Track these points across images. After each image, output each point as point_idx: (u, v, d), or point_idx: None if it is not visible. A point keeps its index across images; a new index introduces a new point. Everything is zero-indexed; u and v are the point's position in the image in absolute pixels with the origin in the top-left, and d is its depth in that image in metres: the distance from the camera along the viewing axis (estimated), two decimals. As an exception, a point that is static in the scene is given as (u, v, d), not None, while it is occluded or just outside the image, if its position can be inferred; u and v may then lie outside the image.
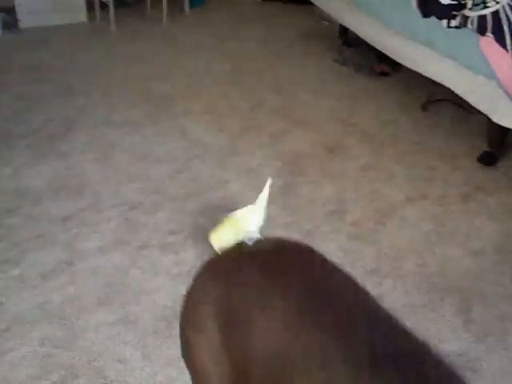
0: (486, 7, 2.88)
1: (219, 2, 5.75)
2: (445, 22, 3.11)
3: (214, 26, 5.13)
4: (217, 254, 1.28)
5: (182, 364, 2.02)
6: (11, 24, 4.61)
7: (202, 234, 2.55)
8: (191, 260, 2.42)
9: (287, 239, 1.29)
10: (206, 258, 1.33)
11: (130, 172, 2.97)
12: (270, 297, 1.05)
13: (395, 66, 3.96)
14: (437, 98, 3.71)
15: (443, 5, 3.13)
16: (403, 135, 3.43)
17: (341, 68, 4.33)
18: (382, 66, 4.16)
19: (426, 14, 3.26)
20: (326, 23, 5.13)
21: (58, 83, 3.87)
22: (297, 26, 5.20)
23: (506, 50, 2.77)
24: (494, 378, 2.02)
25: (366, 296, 1.08)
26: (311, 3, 4.69)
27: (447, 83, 3.17)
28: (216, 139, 3.31)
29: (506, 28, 2.79)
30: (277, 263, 1.13)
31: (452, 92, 3.22)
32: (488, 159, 3.18)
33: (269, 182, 1.60)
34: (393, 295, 2.32)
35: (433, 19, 3.22)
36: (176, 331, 2.13)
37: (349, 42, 4.65)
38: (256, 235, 1.29)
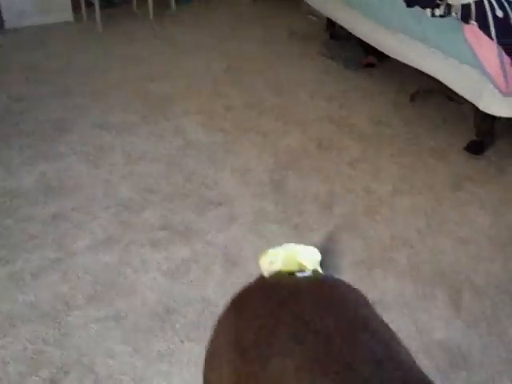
0: (469, -5, 2.89)
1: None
2: (429, 11, 3.12)
3: (202, 23, 5.12)
4: (259, 279, 1.23)
5: (173, 359, 2.03)
6: (-3, 25, 4.59)
7: (192, 231, 2.56)
8: (181, 256, 2.43)
9: (330, 278, 1.24)
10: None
11: (124, 171, 2.96)
12: (291, 340, 1.00)
13: (382, 58, 3.97)
14: (425, 89, 3.72)
15: (427, -6, 3.14)
16: (392, 128, 3.44)
17: (329, 63, 4.33)
18: (368, 58, 4.16)
19: (409, 4, 3.27)
20: (314, 18, 5.13)
21: (54, 84, 3.86)
22: (283, 20, 5.20)
23: (491, 37, 2.78)
24: (484, 364, 2.03)
25: (398, 355, 1.00)
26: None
27: (433, 73, 3.18)
28: (212, 137, 3.30)
29: (489, 16, 2.80)
30: (314, 305, 1.08)
31: (440, 82, 3.22)
32: (476, 148, 3.19)
33: (332, 233, 1.47)
34: (383, 284, 2.33)
35: (417, 9, 3.23)
36: (166, 326, 2.14)
37: (336, 36, 4.65)
38: (307, 273, 1.22)
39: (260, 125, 3.43)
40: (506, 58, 2.74)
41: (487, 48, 2.79)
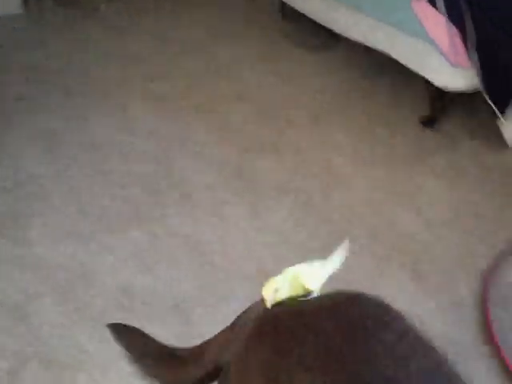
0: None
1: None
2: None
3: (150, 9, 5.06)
4: (267, 309, 1.13)
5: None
6: None
7: (149, 216, 2.55)
8: (141, 242, 2.42)
9: (349, 293, 1.18)
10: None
11: (100, 168, 2.91)
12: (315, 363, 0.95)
13: (334, 37, 3.98)
14: (377, 64, 3.74)
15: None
16: (346, 103, 3.45)
17: (282, 42, 4.33)
18: (320, 37, 4.17)
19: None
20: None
21: None
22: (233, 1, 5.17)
23: (438, 9, 2.81)
24: (443, 332, 2.07)
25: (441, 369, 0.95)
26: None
27: (382, 47, 3.20)
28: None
29: (436, -13, 2.82)
30: (337, 325, 1.01)
31: (391, 57, 3.24)
32: (430, 121, 3.24)
33: (346, 244, 1.42)
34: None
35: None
36: (129, 314, 2.14)
37: (289, 15, 4.64)
38: (315, 294, 1.17)
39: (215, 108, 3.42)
40: (454, 30, 2.77)
41: (435, 20, 2.82)
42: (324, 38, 4.16)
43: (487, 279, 2.22)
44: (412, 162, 2.93)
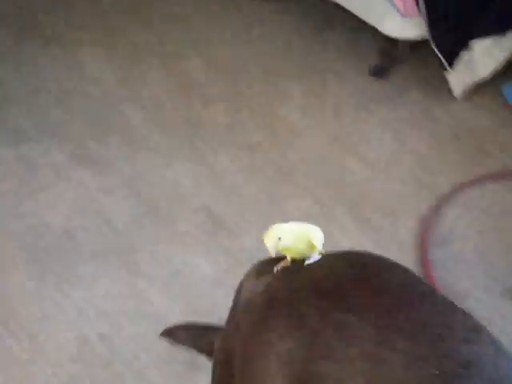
0: None
1: None
2: None
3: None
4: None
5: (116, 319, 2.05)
6: None
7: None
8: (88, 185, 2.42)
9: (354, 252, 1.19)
10: None
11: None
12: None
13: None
14: (332, 15, 3.72)
15: None
16: (296, 53, 3.44)
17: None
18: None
19: None
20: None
21: None
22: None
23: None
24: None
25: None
26: None
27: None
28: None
29: None
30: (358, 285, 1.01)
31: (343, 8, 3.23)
32: (380, 72, 3.24)
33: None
34: (287, 206, 2.38)
35: None
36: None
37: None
38: (317, 256, 1.15)
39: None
40: (403, -22, 2.78)
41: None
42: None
43: (427, 221, 2.26)
44: (360, 112, 2.95)
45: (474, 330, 0.93)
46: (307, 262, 1.12)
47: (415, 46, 3.05)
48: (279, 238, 1.12)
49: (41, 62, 3.21)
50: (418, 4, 2.79)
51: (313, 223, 2.33)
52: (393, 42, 3.07)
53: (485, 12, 2.81)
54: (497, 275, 2.09)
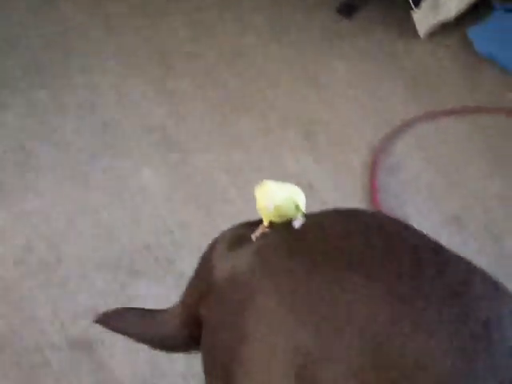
0: None
1: None
2: None
3: None
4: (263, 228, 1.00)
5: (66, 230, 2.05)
6: None
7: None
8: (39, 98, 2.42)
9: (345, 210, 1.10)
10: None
11: None
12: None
13: None
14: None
15: None
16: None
17: None
18: None
19: None
20: None
21: None
22: None
23: None
24: (332, 197, 2.15)
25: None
26: None
27: None
28: None
29: None
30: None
31: None
32: (347, 10, 3.23)
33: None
34: (239, 127, 2.40)
35: None
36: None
37: None
38: (301, 218, 1.02)
39: None
40: None
41: None
42: None
43: (378, 149, 2.29)
44: (323, 47, 2.95)
45: (494, 287, 0.85)
46: (297, 225, 1.00)
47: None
48: (271, 199, 1.01)
49: None
50: None
51: (264, 146, 2.38)
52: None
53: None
54: (440, 204, 2.13)
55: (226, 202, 2.10)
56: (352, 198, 2.14)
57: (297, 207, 1.01)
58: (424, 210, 2.08)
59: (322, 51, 2.91)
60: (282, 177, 2.18)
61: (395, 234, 0.91)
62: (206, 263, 1.07)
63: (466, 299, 0.80)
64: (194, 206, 2.07)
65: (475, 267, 0.88)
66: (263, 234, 1.00)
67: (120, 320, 1.33)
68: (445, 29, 2.99)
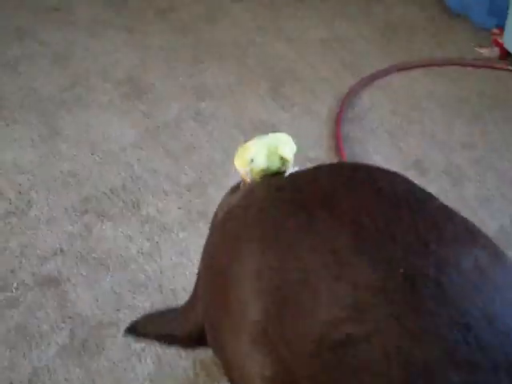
0: None
1: None
2: None
3: None
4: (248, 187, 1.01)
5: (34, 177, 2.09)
6: None
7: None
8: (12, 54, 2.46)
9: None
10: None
11: None
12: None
13: None
14: None
15: None
16: None
17: None
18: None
19: None
20: None
21: None
22: None
23: None
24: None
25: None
26: None
27: None
28: None
29: None
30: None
31: None
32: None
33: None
34: (213, 79, 2.43)
35: None
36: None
37: None
38: (292, 167, 1.04)
39: None
40: None
41: None
42: None
43: (344, 100, 2.33)
44: (295, 4, 3.00)
45: (468, 232, 0.87)
46: (286, 174, 1.03)
47: None
48: (252, 160, 1.01)
49: None
50: None
51: (233, 95, 2.42)
52: None
53: None
54: (402, 151, 2.18)
55: (195, 149, 2.15)
56: (319, 146, 2.18)
57: (283, 160, 1.02)
58: (386, 156, 2.13)
59: (296, 7, 2.95)
60: (250, 125, 2.23)
61: (384, 184, 0.93)
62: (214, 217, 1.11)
63: (435, 245, 0.80)
64: (161, 154, 2.12)
65: (459, 216, 0.90)
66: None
67: (148, 326, 1.38)
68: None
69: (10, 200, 1.92)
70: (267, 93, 2.38)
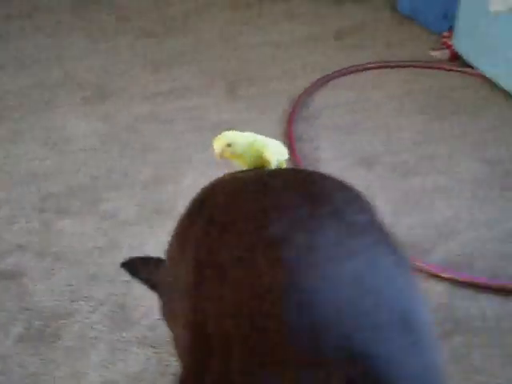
0: None
1: None
2: None
3: None
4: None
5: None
6: None
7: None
8: None
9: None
10: None
11: None
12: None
13: None
14: None
15: None
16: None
17: None
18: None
19: None
20: None
21: None
22: None
23: None
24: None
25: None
26: None
27: None
28: None
29: None
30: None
31: None
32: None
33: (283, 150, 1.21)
34: (172, 74, 2.52)
35: None
36: None
37: None
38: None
39: None
40: None
41: None
42: None
43: (298, 100, 2.42)
44: (252, 8, 3.09)
45: (342, 185, 0.91)
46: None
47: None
48: (229, 145, 1.04)
49: None
50: None
51: (191, 98, 2.50)
52: None
53: None
54: (352, 149, 2.27)
55: (152, 149, 2.22)
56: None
57: (265, 160, 1.06)
58: (337, 154, 2.22)
59: (252, 10, 3.04)
60: (206, 126, 2.31)
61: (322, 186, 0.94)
62: None
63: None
64: (120, 154, 2.20)
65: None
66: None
67: (138, 267, 1.43)
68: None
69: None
70: (224, 95, 2.46)
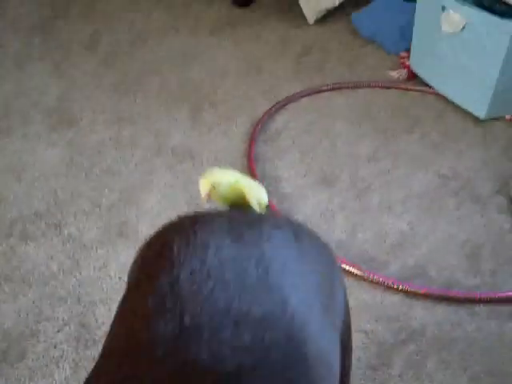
0: None
1: None
2: None
3: None
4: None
5: None
6: None
7: None
8: None
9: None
10: None
11: None
12: None
13: None
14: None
15: None
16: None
17: None
18: None
19: None
20: None
21: None
22: None
23: None
24: (213, 159, 2.33)
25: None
26: None
27: None
28: None
29: None
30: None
31: None
32: (241, 1, 3.43)
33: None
34: (134, 107, 2.60)
35: None
36: None
37: None
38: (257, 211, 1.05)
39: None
40: None
41: None
42: None
43: (258, 122, 2.49)
44: (213, 33, 3.16)
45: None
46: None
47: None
48: (213, 187, 1.03)
49: None
50: None
51: (153, 123, 2.56)
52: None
53: None
54: (311, 168, 2.34)
55: (114, 174, 2.27)
56: (234, 166, 2.32)
57: (245, 201, 1.03)
58: (296, 173, 2.28)
59: (214, 34, 3.12)
60: (168, 149, 2.37)
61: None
62: None
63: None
64: (83, 179, 2.25)
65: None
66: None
67: None
68: (333, 15, 3.22)
69: None
70: (186, 118, 2.52)
